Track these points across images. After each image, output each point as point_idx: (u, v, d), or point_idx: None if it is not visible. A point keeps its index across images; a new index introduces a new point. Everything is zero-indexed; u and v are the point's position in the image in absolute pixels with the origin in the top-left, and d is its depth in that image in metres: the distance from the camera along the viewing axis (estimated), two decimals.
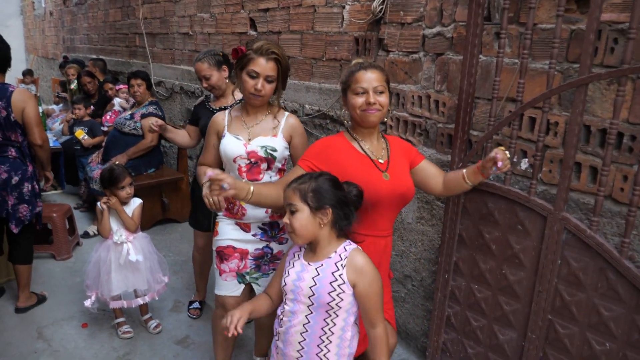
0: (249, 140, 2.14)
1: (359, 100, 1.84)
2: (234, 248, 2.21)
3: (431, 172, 2.02)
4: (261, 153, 2.12)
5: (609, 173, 1.79)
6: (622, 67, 1.66)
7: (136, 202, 2.97)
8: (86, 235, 4.49)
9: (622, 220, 1.86)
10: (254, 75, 2.03)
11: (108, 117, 5.03)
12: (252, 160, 2.13)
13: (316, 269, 1.65)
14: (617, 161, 1.84)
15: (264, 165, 2.14)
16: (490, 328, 2.21)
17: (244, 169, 2.14)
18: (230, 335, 1.65)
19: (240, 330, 1.66)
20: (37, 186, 3.20)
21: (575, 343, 1.92)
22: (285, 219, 1.64)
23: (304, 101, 3.38)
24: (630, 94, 1.78)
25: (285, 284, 1.70)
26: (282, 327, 1.74)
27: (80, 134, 5.02)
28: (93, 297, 2.92)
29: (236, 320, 1.67)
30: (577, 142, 1.83)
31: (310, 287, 1.63)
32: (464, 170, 1.96)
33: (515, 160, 2.12)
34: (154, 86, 5.39)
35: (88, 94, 5.71)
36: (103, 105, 5.47)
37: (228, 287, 2.24)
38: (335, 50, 3.08)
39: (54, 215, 3.99)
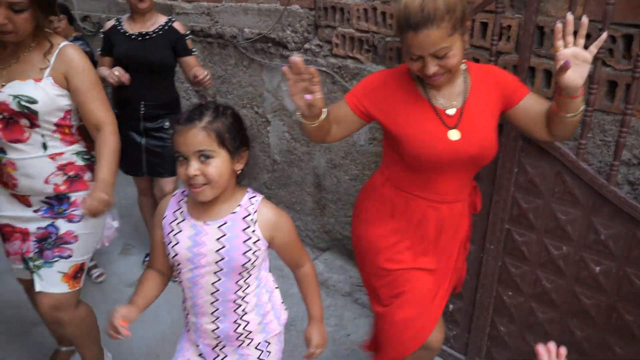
0: (2, 85, 1.64)
1: (414, 65, 1.39)
2: (12, 227, 1.80)
3: (538, 111, 1.47)
4: (13, 105, 1.62)
5: None
6: None
7: None
8: None
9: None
10: None
11: None
12: (6, 115, 1.64)
13: (219, 227, 1.33)
14: None
15: (24, 122, 1.66)
16: None
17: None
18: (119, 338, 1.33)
19: (128, 333, 1.32)
20: None
21: (532, 250, 1.91)
22: (192, 170, 1.24)
23: (242, 25, 3.15)
24: None
25: (177, 254, 1.34)
26: (187, 300, 1.43)
27: None
28: None
29: (120, 324, 1.31)
30: (532, 44, 1.74)
31: (216, 251, 1.31)
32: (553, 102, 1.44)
33: None
34: (78, 21, 4.96)
35: None
36: None
37: (20, 271, 1.87)
38: None
39: None
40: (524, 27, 1.74)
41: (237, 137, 1.29)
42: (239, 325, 1.40)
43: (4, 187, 1.77)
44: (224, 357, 1.45)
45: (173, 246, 1.35)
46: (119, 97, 2.69)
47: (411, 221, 1.61)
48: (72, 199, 1.80)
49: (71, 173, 1.80)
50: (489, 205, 1.97)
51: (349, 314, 2.67)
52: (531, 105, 1.48)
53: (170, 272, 1.47)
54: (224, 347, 1.44)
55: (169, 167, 2.76)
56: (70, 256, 1.81)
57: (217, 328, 1.40)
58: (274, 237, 1.37)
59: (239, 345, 1.43)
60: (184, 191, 1.40)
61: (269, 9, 2.93)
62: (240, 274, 1.35)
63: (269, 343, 1.47)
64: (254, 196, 1.38)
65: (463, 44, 1.37)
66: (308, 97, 1.28)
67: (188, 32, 2.75)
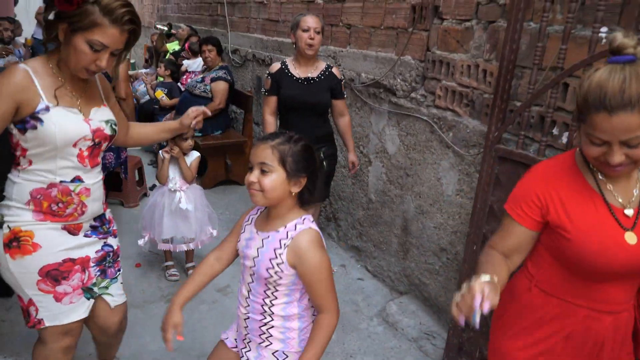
0: (87, 114, 1.71)
1: (594, 150, 1.22)
2: (72, 260, 1.76)
3: None
4: (108, 130, 1.75)
5: None
6: None
7: (194, 154, 3.16)
8: (154, 187, 4.80)
9: None
10: (98, 49, 1.56)
11: (183, 79, 5.31)
12: (97, 140, 1.72)
13: (262, 240, 1.52)
14: None
15: (104, 145, 1.77)
16: None
17: (85, 153, 1.71)
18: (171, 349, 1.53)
19: (181, 338, 1.55)
20: None
21: None
22: (253, 177, 1.46)
23: (360, 70, 3.39)
24: None
25: (238, 248, 1.63)
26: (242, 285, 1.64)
27: (160, 94, 5.35)
28: (146, 238, 3.15)
29: (172, 330, 1.55)
30: None
31: (253, 258, 1.53)
32: None
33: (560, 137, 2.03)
34: (229, 53, 5.61)
35: (175, 57, 6.07)
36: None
37: (75, 310, 1.80)
38: (393, 18, 3.06)
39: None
40: None
41: (298, 163, 1.47)
42: (264, 324, 1.56)
43: (57, 221, 1.72)
44: (248, 350, 1.62)
45: (238, 241, 1.63)
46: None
47: (561, 333, 1.39)
48: (107, 216, 1.92)
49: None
50: None
51: (410, 358, 2.68)
52: None
53: (229, 261, 1.69)
54: (250, 341, 1.61)
55: (320, 193, 3.04)
56: (121, 267, 2.01)
57: (248, 318, 1.59)
58: (296, 266, 1.48)
59: (260, 343, 1.59)
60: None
61: (385, 57, 3.15)
62: (266, 284, 1.52)
63: (287, 356, 1.59)
64: (303, 223, 1.51)
65: None
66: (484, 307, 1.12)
67: (342, 78, 3.10)
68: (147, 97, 5.86)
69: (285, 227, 1.51)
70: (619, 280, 1.31)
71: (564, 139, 1.92)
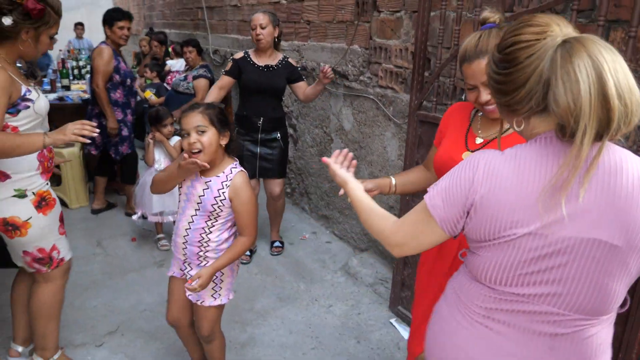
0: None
1: (470, 95, 1.59)
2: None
3: None
4: None
5: None
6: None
7: (176, 139, 3.64)
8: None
9: None
10: (54, 38, 2.13)
11: (168, 79, 5.80)
12: None
13: (205, 182, 1.92)
14: None
15: None
16: None
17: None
18: None
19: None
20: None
21: None
22: (192, 139, 1.82)
23: (320, 60, 3.89)
24: None
25: (181, 186, 2.01)
26: (177, 222, 2.03)
27: (148, 94, 5.82)
28: (139, 213, 3.64)
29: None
30: None
31: (199, 196, 1.92)
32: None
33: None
34: (210, 54, 6.10)
35: (157, 59, 6.52)
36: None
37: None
38: (342, 13, 3.55)
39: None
40: None
41: (222, 121, 1.89)
42: (201, 250, 1.98)
43: (48, 177, 2.21)
44: (190, 270, 2.04)
45: (182, 185, 2.01)
46: (239, 114, 3.53)
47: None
48: None
49: None
50: None
51: (366, 299, 3.17)
52: None
53: None
54: (190, 262, 2.03)
55: (278, 170, 3.54)
56: None
57: (185, 248, 1.99)
58: (233, 200, 1.91)
59: (199, 264, 2.01)
60: None
61: (339, 48, 3.64)
62: (208, 217, 1.94)
63: (223, 273, 2.04)
64: (236, 167, 1.95)
65: None
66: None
67: (298, 66, 3.58)
68: (138, 98, 6.34)
69: (224, 172, 1.93)
70: None
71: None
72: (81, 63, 6.82)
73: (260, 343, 2.73)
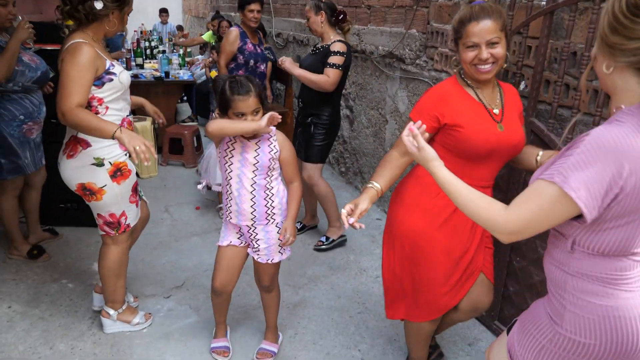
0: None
1: (470, 54, 1.73)
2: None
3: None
4: None
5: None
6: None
7: None
8: None
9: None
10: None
11: None
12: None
13: (256, 143, 2.10)
14: (572, 75, 2.28)
15: None
16: None
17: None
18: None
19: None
20: None
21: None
22: (261, 121, 1.98)
23: (378, 44, 4.02)
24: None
25: (228, 162, 2.15)
26: (233, 192, 2.14)
27: (214, 74, 6.14)
28: (204, 183, 3.92)
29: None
30: (543, 61, 2.31)
31: (254, 157, 2.09)
32: (541, 153, 1.87)
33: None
34: (274, 37, 6.34)
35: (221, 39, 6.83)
36: None
37: (138, 212, 2.56)
38: None
39: (185, 132, 5.13)
40: (537, 48, 2.31)
41: (261, 94, 2.06)
42: (269, 207, 2.18)
43: (125, 149, 2.32)
44: (256, 235, 2.22)
45: (232, 156, 2.14)
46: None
47: (452, 206, 1.83)
48: None
49: None
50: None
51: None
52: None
53: None
54: (256, 228, 2.21)
55: (303, 152, 3.51)
56: None
57: (254, 210, 2.16)
58: (282, 151, 2.13)
59: (266, 224, 2.21)
60: None
61: (396, 32, 3.76)
62: (267, 172, 2.13)
63: (282, 223, 2.24)
64: (274, 130, 2.14)
65: (505, 49, 1.75)
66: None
67: (337, 51, 3.28)
68: (204, 78, 6.68)
69: (269, 134, 2.13)
70: (492, 162, 1.86)
71: (521, 87, 2.50)
72: (153, 44, 7.24)
73: (311, 304, 2.96)
